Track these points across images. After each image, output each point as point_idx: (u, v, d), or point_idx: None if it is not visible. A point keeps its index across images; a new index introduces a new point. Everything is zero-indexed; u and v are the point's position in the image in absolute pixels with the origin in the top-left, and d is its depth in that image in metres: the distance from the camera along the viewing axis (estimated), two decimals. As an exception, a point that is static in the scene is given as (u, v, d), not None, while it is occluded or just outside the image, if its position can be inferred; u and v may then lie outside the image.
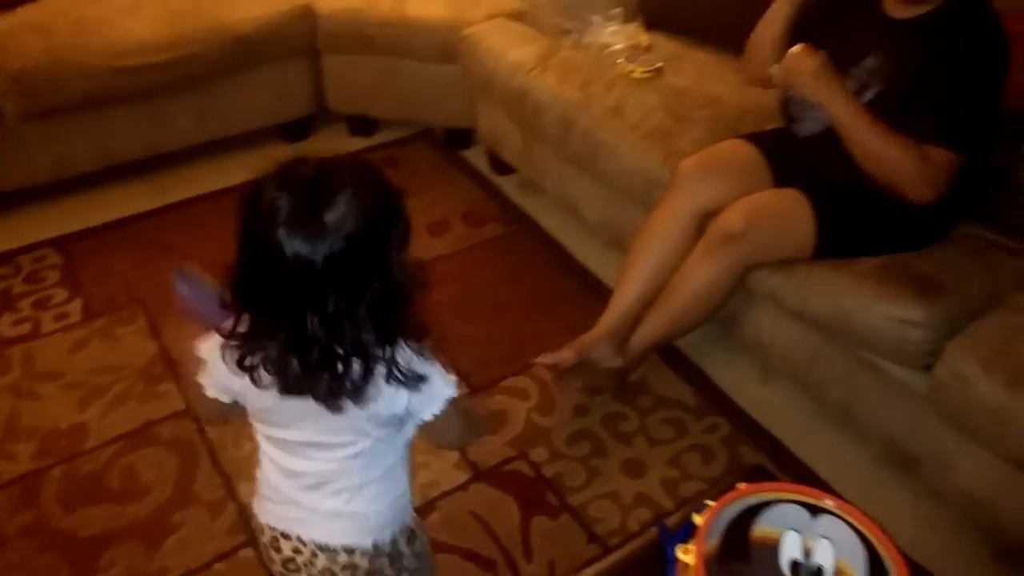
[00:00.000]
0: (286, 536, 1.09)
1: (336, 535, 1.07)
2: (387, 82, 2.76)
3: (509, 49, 2.40)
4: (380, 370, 0.94)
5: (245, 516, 1.67)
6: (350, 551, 1.08)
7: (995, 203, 1.76)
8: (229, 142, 2.75)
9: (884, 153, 1.58)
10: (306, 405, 0.96)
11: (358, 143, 2.91)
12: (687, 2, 2.43)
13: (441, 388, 1.00)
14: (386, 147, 2.90)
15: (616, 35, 2.38)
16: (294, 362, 0.92)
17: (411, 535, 1.14)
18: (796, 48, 1.68)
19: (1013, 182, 1.72)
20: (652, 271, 1.85)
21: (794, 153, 1.80)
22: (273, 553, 1.12)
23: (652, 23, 2.46)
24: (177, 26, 2.48)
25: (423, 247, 2.39)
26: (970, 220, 1.77)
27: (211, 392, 1.05)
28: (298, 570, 1.10)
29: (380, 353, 0.94)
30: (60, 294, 2.23)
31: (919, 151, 1.56)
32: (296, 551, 1.09)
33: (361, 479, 1.06)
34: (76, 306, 2.19)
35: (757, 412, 1.92)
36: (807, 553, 0.98)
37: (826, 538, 0.99)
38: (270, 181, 0.93)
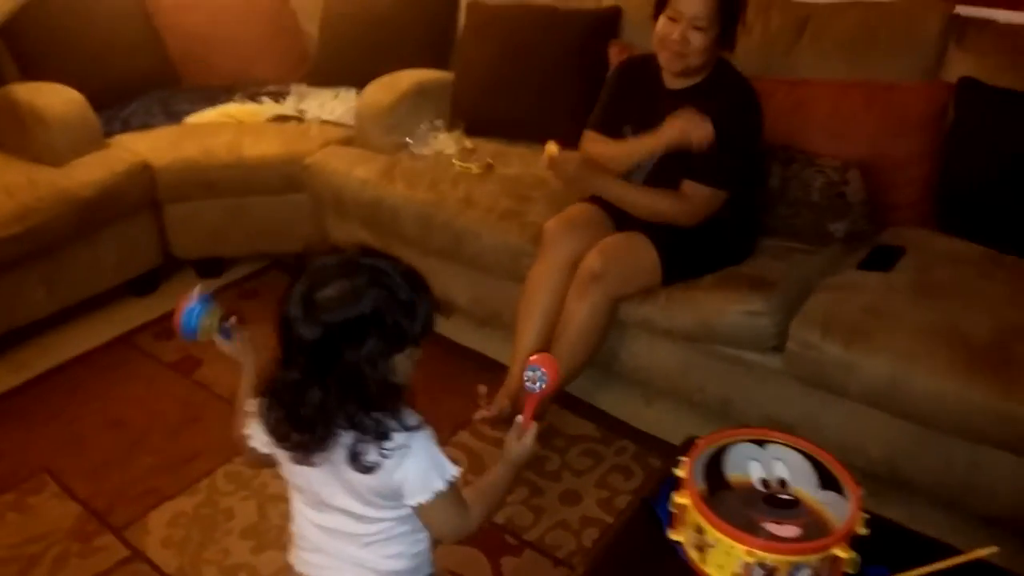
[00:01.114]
0: None
1: None
2: (232, 220, 2.90)
3: (352, 168, 2.66)
4: (373, 444, 1.07)
5: (231, 636, 1.71)
6: None
7: (781, 217, 2.24)
8: (77, 307, 2.74)
9: (644, 205, 2.10)
10: (315, 469, 1.11)
11: (210, 285, 2.99)
12: (495, 107, 2.82)
13: (436, 473, 1.11)
14: (241, 283, 3.01)
15: (445, 142, 2.71)
16: (290, 429, 1.08)
17: None
18: (554, 151, 2.15)
19: (791, 195, 2.20)
20: (543, 317, 2.14)
21: None
22: None
23: (469, 129, 2.82)
24: (18, 199, 2.49)
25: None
26: (768, 235, 2.23)
27: (252, 442, 1.20)
28: None
29: (370, 426, 1.07)
30: (-49, 484, 2.13)
31: (673, 195, 2.05)
32: None
33: (378, 537, 1.18)
34: (-26, 491, 2.10)
35: (653, 429, 2.24)
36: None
37: (778, 459, 1.30)
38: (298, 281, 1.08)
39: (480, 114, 2.83)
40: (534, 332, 2.15)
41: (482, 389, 2.11)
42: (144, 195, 2.79)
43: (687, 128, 1.96)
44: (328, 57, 3.24)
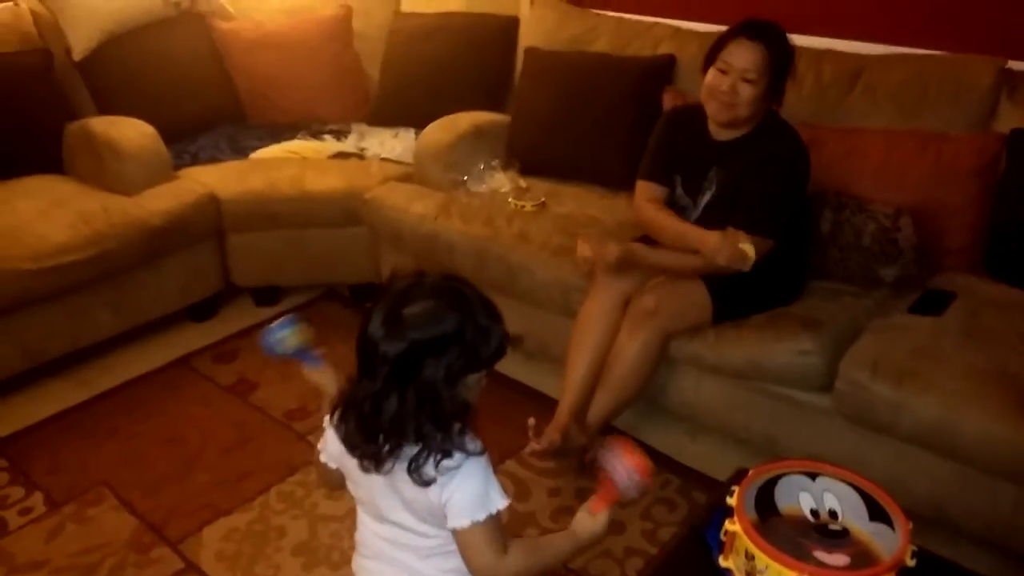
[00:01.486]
0: None
1: None
2: (291, 251, 3.00)
3: (410, 204, 2.75)
4: (432, 460, 1.12)
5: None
6: None
7: (831, 260, 2.27)
8: (139, 330, 2.86)
9: (693, 267, 2.10)
10: (382, 479, 1.16)
11: (265, 312, 3.09)
12: (549, 149, 2.91)
13: (480, 503, 1.13)
14: (296, 310, 3.10)
15: (500, 180, 2.80)
16: (362, 438, 1.14)
17: None
18: (587, 252, 2.18)
19: (843, 240, 2.23)
20: (592, 355, 2.18)
21: None
22: None
23: (523, 170, 2.91)
24: (93, 225, 2.62)
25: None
26: (816, 277, 2.26)
27: (322, 457, 1.27)
28: None
29: (435, 441, 1.12)
30: (16, 492, 2.21)
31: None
32: None
33: (436, 551, 1.22)
34: (37, 499, 2.19)
35: (697, 464, 2.26)
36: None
37: (828, 491, 1.32)
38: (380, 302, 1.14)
39: (535, 155, 2.92)
40: (584, 367, 2.20)
41: (531, 421, 2.15)
42: (210, 225, 2.91)
43: (728, 254, 2.01)
44: (388, 98, 3.37)
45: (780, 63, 2.03)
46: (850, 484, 1.34)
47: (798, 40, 2.60)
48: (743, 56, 2.00)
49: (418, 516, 1.19)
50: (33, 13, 3.09)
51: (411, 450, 1.13)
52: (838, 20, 2.62)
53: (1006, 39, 2.34)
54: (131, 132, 2.89)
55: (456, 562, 1.21)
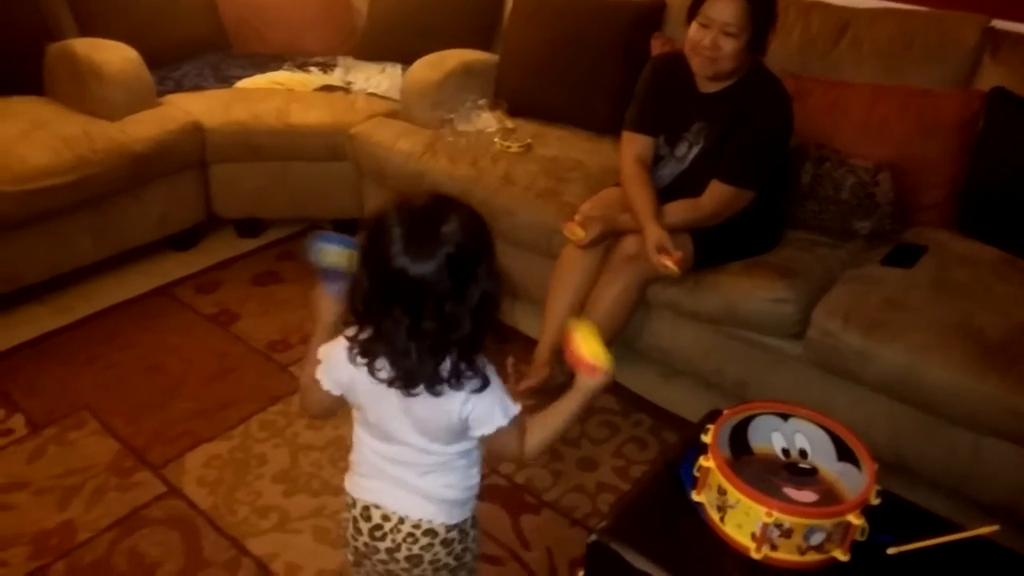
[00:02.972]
0: (377, 507, 1.29)
1: (417, 510, 1.28)
2: (275, 184, 3.00)
3: (396, 141, 2.75)
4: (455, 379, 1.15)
5: (263, 566, 1.81)
6: (429, 522, 1.29)
7: (809, 211, 2.31)
8: (119, 258, 2.85)
9: (672, 225, 2.10)
10: (395, 402, 1.20)
11: (248, 244, 3.10)
12: (538, 91, 2.90)
13: (500, 410, 1.20)
14: (278, 244, 3.11)
15: (487, 121, 2.80)
16: (413, 354, 1.14)
17: (474, 522, 1.37)
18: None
19: (822, 193, 2.27)
20: (571, 297, 2.23)
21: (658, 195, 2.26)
22: (362, 523, 1.30)
23: (511, 110, 2.90)
24: (75, 149, 2.60)
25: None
26: (793, 227, 2.31)
27: (326, 385, 1.26)
28: (383, 537, 1.29)
29: (468, 359, 1.15)
30: (-4, 413, 2.24)
31: (694, 204, 2.12)
32: (384, 518, 1.29)
33: (437, 468, 1.27)
34: (18, 421, 2.21)
35: (669, 405, 2.33)
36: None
37: (799, 432, 1.38)
38: (389, 215, 1.13)
39: (522, 96, 2.92)
40: (564, 306, 2.24)
41: (511, 360, 2.19)
42: (193, 154, 2.89)
43: (656, 261, 2.03)
44: (375, 33, 3.33)
45: (761, 15, 2.02)
46: (820, 426, 1.40)
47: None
48: (723, 10, 2.00)
49: (429, 436, 1.23)
50: (12, -71, 3.00)
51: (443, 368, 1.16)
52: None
53: (991, -3, 2.37)
54: (114, 56, 2.84)
55: (453, 477, 1.28)
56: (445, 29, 3.18)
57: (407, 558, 1.30)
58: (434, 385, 1.16)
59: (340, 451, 2.14)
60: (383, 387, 1.19)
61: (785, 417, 1.42)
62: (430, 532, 1.29)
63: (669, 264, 2.03)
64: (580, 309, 2.23)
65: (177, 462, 2.11)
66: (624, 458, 2.15)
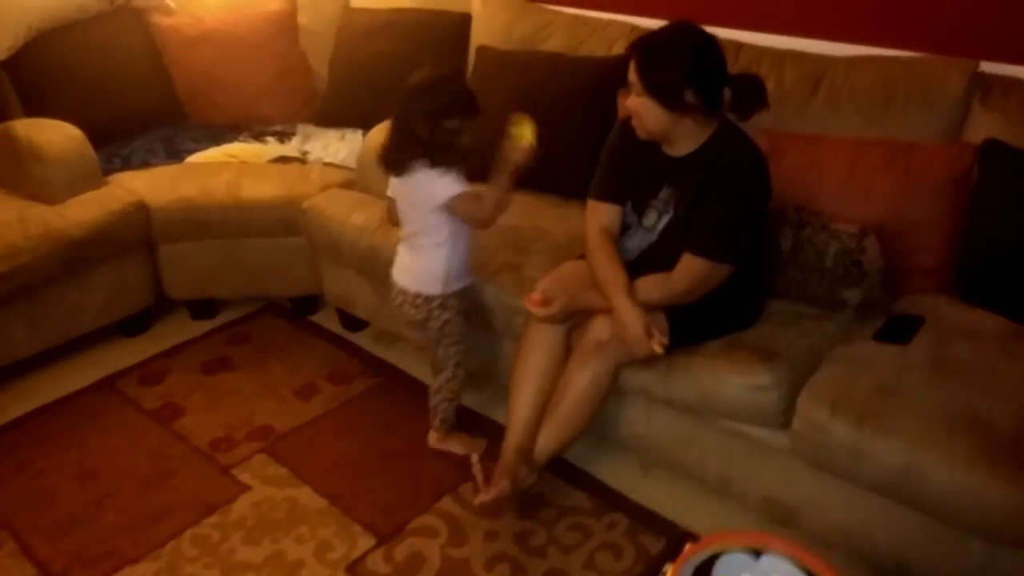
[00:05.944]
0: (396, 283, 2.16)
1: (411, 283, 2.12)
2: (227, 262, 2.82)
3: (350, 214, 2.57)
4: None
5: None
6: (418, 294, 2.11)
7: (791, 280, 2.10)
8: (63, 347, 2.67)
9: (644, 301, 1.91)
10: (404, 190, 2.05)
11: (202, 327, 2.91)
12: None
13: (459, 185, 1.97)
14: (234, 324, 2.92)
15: (446, 189, 2.61)
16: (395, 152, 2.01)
17: (460, 298, 2.14)
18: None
19: (804, 260, 2.06)
20: (538, 384, 2.02)
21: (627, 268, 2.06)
22: (395, 295, 2.17)
23: (471, 177, 2.70)
24: (5, 238, 2.43)
25: (295, 413, 2.43)
26: (777, 297, 2.10)
27: (389, 192, 2.13)
28: (402, 304, 2.15)
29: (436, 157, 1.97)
30: (-94, 537, 2.03)
31: (665, 280, 1.92)
32: (401, 292, 2.15)
33: (428, 244, 2.06)
34: (-71, 545, 2.01)
35: (648, 501, 2.09)
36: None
37: (774, 573, 1.15)
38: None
39: (485, 160, 2.73)
40: (529, 399, 2.03)
41: (475, 458, 1.99)
42: (138, 235, 2.73)
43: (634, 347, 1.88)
44: (336, 98, 3.19)
45: (656, 69, 1.84)
46: (799, 566, 1.18)
47: (758, 40, 2.47)
48: (629, 72, 1.88)
49: (422, 211, 2.03)
50: (-42, 7, 2.88)
51: (421, 165, 1.98)
52: (800, 17, 2.45)
53: (978, 38, 2.17)
54: (54, 135, 2.70)
55: (438, 237, 2.06)
56: (408, 91, 3.02)
57: (420, 321, 2.14)
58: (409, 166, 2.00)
59: (278, 570, 1.92)
60: (399, 182, 2.05)
61: (758, 554, 1.20)
62: (423, 300, 2.11)
63: (657, 347, 1.85)
64: (546, 398, 2.03)
65: (98, 588, 1.90)
66: (596, 570, 1.91)
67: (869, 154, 2.09)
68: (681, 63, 1.83)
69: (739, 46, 2.44)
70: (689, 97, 1.84)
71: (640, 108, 1.87)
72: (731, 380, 1.84)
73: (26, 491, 2.19)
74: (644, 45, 1.87)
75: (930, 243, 2.04)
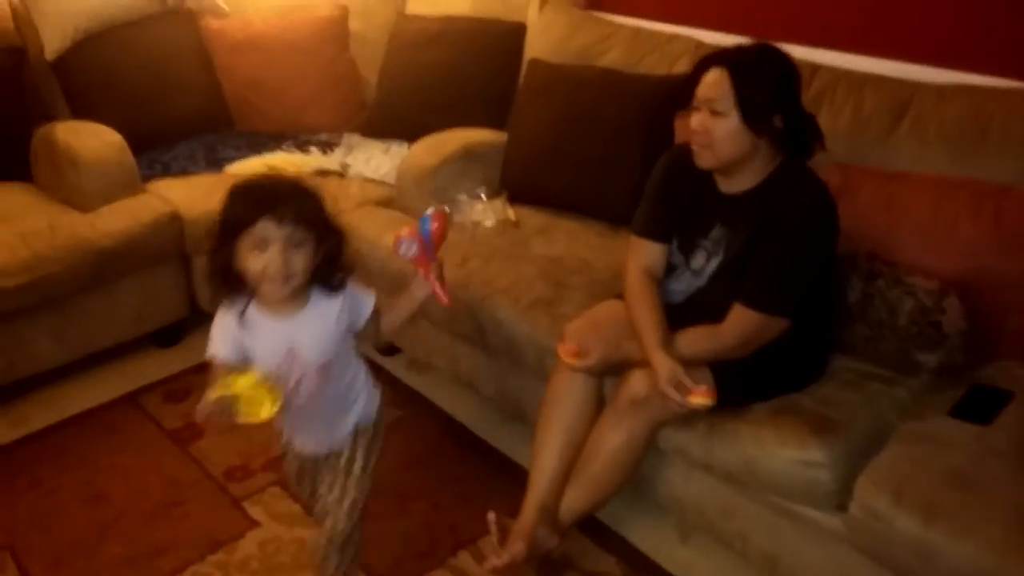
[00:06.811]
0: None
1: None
2: (261, 277, 2.72)
3: (383, 234, 2.42)
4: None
5: None
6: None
7: (860, 335, 1.86)
8: (95, 356, 2.61)
9: (722, 349, 1.72)
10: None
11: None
12: (547, 176, 2.55)
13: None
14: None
15: (485, 212, 2.45)
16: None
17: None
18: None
19: (873, 316, 1.82)
20: (564, 439, 1.84)
21: (669, 314, 1.85)
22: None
23: (516, 197, 2.56)
24: (33, 247, 2.38)
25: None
26: (841, 354, 1.86)
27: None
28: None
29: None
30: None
31: (714, 333, 1.72)
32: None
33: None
34: (-70, 565, 1.95)
35: (685, 573, 1.89)
36: None
37: None
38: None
39: (530, 182, 2.58)
40: (555, 453, 1.85)
41: (491, 516, 1.81)
42: (171, 246, 2.65)
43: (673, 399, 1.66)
44: (384, 108, 3.06)
45: (751, 85, 1.64)
46: None
47: (836, 60, 2.23)
48: (708, 86, 1.66)
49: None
50: (12, 7, 2.86)
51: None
52: (885, 37, 2.20)
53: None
54: (92, 141, 2.65)
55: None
56: (458, 105, 2.89)
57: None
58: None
59: (275, 622, 1.79)
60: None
61: None
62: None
63: (696, 400, 1.65)
64: (575, 451, 1.84)
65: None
66: (622, 648, 1.72)
67: (955, 197, 1.83)
68: (775, 83, 1.66)
69: (815, 68, 2.20)
70: (776, 121, 1.66)
71: (716, 129, 1.66)
72: (779, 452, 1.62)
73: (35, 511, 2.11)
74: (735, 59, 1.67)
75: (1022, 302, 1.77)
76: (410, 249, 1.57)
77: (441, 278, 1.58)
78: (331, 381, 1.52)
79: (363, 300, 1.55)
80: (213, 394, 1.32)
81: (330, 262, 1.46)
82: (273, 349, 1.44)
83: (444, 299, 1.57)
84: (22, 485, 2.20)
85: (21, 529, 2.06)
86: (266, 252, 1.36)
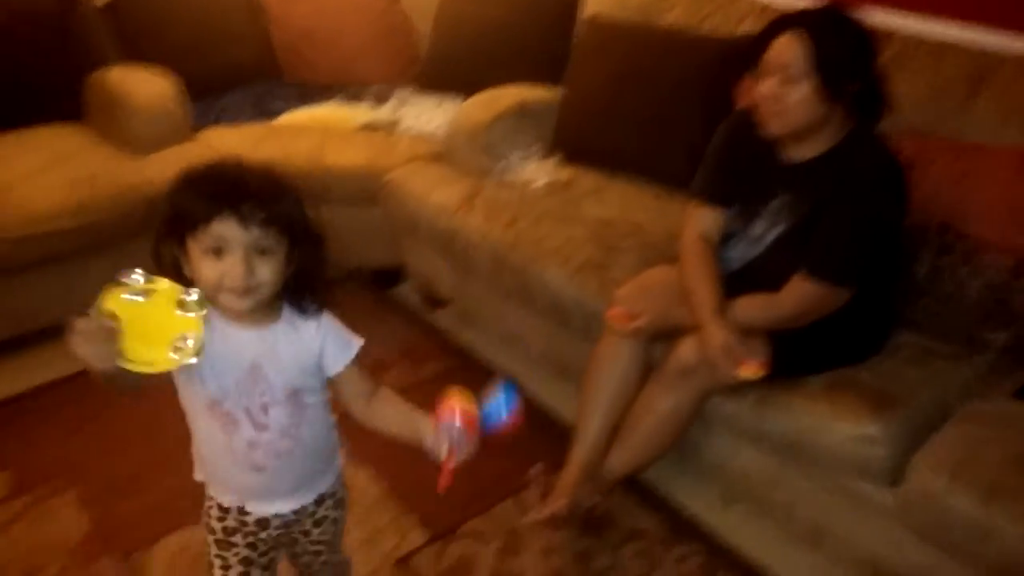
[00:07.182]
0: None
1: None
2: (308, 229, 2.71)
3: (432, 191, 2.40)
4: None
5: None
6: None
7: (926, 311, 1.81)
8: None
9: (780, 319, 1.68)
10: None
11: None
12: (602, 135, 2.49)
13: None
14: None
15: (537, 171, 2.41)
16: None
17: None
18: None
19: (941, 290, 1.77)
20: (610, 401, 1.83)
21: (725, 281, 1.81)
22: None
23: (570, 157, 2.51)
24: (85, 190, 2.39)
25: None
26: (905, 328, 1.81)
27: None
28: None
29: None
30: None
31: (773, 301, 1.68)
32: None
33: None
34: (3, 481, 2.03)
35: (729, 536, 1.87)
36: None
37: None
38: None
39: (585, 141, 2.52)
40: (599, 415, 1.84)
41: (536, 468, 1.81)
42: (217, 196, 2.64)
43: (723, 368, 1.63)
44: (438, 61, 3.01)
45: (833, 53, 1.57)
46: None
47: (913, 26, 2.13)
48: (782, 51, 1.58)
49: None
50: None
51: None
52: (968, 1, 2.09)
53: None
54: (146, 85, 2.66)
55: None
56: (513, 58, 2.83)
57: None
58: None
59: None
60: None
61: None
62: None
63: (746, 373, 1.62)
64: (618, 417, 1.82)
65: (146, 551, 1.84)
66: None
67: (1033, 171, 1.75)
68: (854, 47, 1.60)
69: (890, 33, 2.10)
70: (853, 86, 1.60)
71: (788, 95, 1.60)
72: (834, 426, 1.59)
73: (93, 442, 2.15)
74: (811, 21, 1.60)
75: (1099, 283, 1.70)
76: (454, 437, 1.18)
77: (455, 467, 1.19)
78: (307, 420, 1.23)
79: (345, 340, 1.23)
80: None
81: (303, 276, 1.16)
82: (235, 361, 1.15)
83: (441, 484, 1.17)
84: (86, 414, 2.22)
85: (85, 457, 2.10)
86: (223, 259, 1.08)
